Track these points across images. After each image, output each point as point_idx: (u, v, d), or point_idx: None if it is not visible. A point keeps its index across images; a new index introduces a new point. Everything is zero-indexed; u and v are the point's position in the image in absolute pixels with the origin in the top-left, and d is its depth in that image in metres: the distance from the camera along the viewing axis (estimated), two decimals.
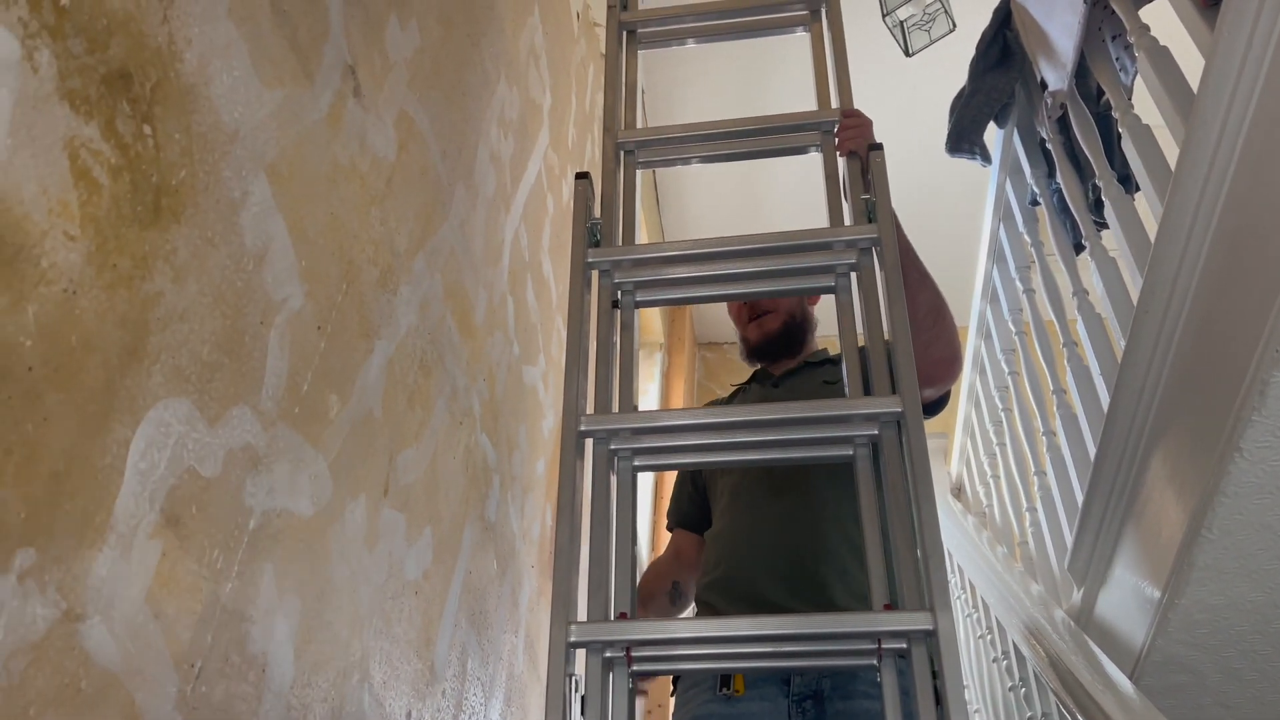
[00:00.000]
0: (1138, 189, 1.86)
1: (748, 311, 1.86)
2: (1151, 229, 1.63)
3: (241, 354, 1.00)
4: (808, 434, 1.35)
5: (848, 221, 1.51)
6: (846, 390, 1.41)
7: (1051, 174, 2.29)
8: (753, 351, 1.87)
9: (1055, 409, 2.25)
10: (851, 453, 1.34)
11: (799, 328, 1.85)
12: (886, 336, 1.35)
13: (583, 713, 1.24)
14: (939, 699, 1.12)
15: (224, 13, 0.98)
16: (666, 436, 1.38)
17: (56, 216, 0.74)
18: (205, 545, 0.92)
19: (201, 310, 0.93)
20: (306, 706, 1.11)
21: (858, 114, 1.56)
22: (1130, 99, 1.87)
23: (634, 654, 1.27)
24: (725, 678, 1.51)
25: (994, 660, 2.42)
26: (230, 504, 0.97)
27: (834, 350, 1.90)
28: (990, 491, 2.98)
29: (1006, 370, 2.72)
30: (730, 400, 1.90)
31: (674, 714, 1.58)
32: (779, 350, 1.84)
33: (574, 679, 1.26)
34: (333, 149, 1.23)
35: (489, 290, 1.94)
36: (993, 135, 2.60)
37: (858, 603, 1.50)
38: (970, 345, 3.07)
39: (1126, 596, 1.74)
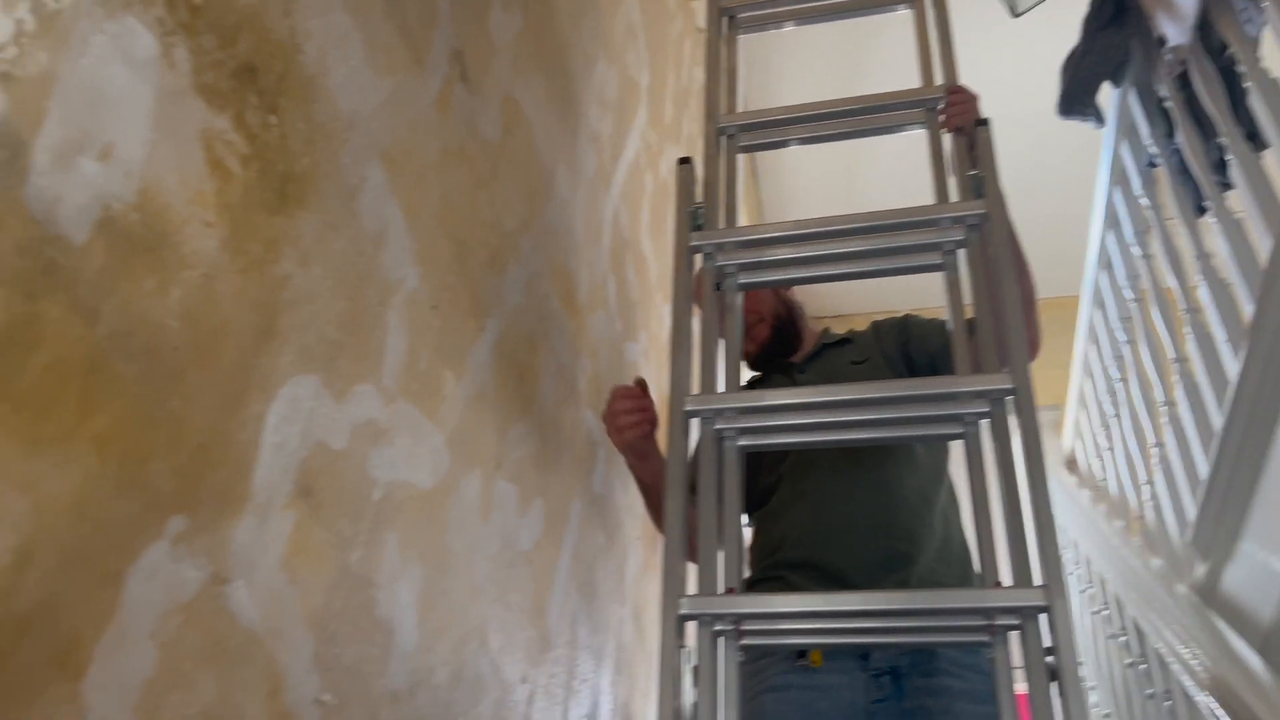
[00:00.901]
0: (1266, 146, 1.77)
1: None
2: None
3: (363, 333, 1.05)
4: (917, 412, 1.34)
5: (954, 199, 1.48)
6: (951, 366, 1.39)
7: (1171, 134, 2.19)
8: (757, 363, 1.86)
9: (1176, 378, 2.16)
10: (961, 431, 1.33)
11: (788, 322, 1.83)
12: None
13: (695, 684, 1.26)
14: (1053, 675, 1.11)
15: (340, 4, 1.01)
16: (772, 416, 1.38)
17: (194, 205, 0.79)
18: (334, 515, 0.97)
19: (325, 292, 0.98)
20: (430, 670, 1.16)
21: (963, 90, 1.53)
22: (1257, 52, 1.77)
23: (744, 627, 1.28)
24: (801, 650, 1.50)
25: (1111, 637, 2.35)
26: (356, 476, 1.02)
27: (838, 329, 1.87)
28: (1105, 464, 2.89)
29: (1122, 340, 2.63)
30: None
31: (743, 685, 1.54)
32: (781, 350, 1.82)
33: (686, 651, 1.28)
34: (442, 134, 1.26)
35: (591, 269, 1.97)
36: (1107, 95, 2.49)
37: (942, 574, 1.50)
38: (1084, 315, 2.97)
39: (1255, 571, 1.67)
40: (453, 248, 1.29)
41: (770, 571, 1.57)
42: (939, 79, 1.60)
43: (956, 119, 1.49)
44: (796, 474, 1.66)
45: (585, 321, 1.91)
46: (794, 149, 4.60)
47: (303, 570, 0.92)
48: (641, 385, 1.64)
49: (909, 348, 1.70)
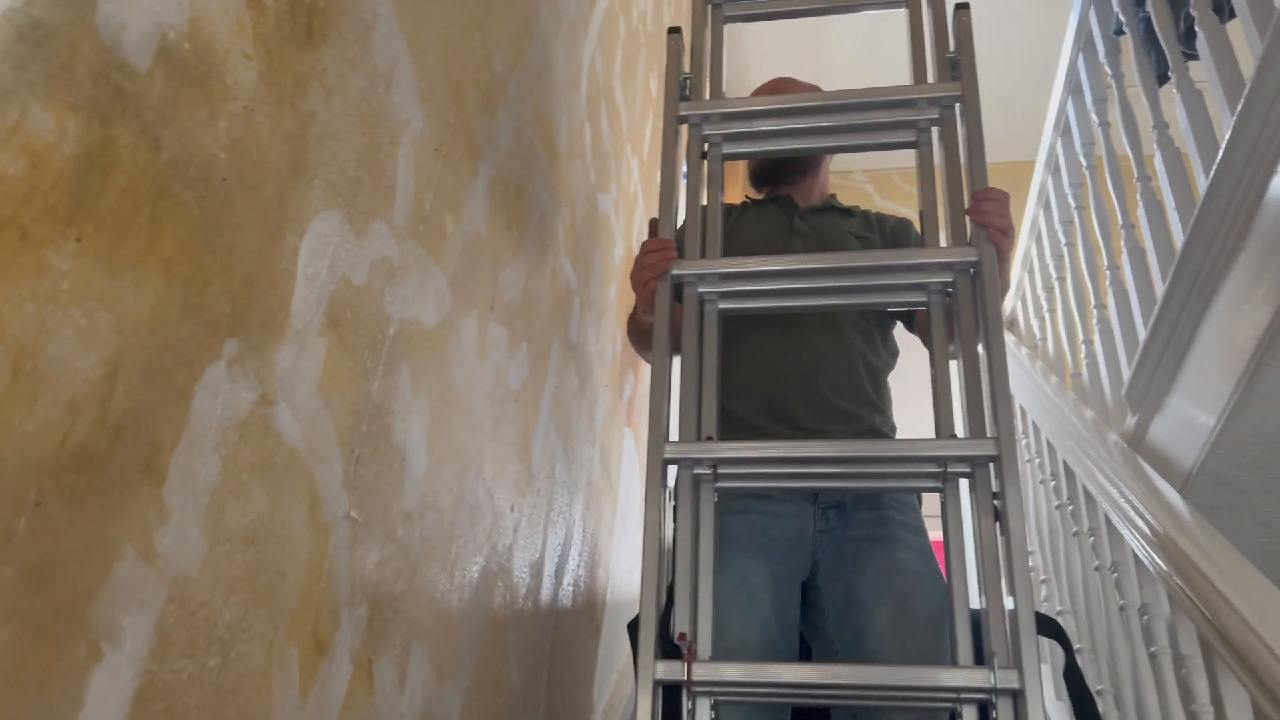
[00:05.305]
0: (1233, 16, 1.82)
1: None
2: (1244, 60, 1.62)
3: (377, 172, 1.07)
4: (887, 280, 1.42)
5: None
6: (920, 239, 1.47)
7: (1140, 1, 2.23)
8: (761, 172, 1.85)
9: (1123, 244, 2.27)
10: (926, 299, 1.43)
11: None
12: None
13: (675, 520, 1.37)
14: (998, 516, 1.24)
15: None
16: (751, 282, 1.45)
17: (236, 36, 0.80)
18: (357, 346, 1.02)
19: (346, 129, 0.99)
20: (436, 494, 1.23)
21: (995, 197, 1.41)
22: None
23: (720, 471, 1.38)
24: None
25: (1042, 481, 2.54)
26: (375, 311, 1.06)
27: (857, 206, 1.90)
28: (1045, 325, 3.04)
29: (1073, 205, 2.72)
30: (743, 214, 1.82)
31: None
32: (788, 169, 1.82)
33: (668, 491, 1.39)
34: None
35: (569, 115, 1.97)
36: None
37: (883, 427, 1.64)
38: (1037, 179, 3.05)
39: (1181, 422, 1.82)
40: (451, 89, 1.29)
41: (729, 403, 1.58)
42: None
43: (984, 218, 1.38)
44: (757, 320, 1.72)
45: (564, 170, 1.93)
46: (755, 32, 4.53)
47: (333, 396, 0.97)
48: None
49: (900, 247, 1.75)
